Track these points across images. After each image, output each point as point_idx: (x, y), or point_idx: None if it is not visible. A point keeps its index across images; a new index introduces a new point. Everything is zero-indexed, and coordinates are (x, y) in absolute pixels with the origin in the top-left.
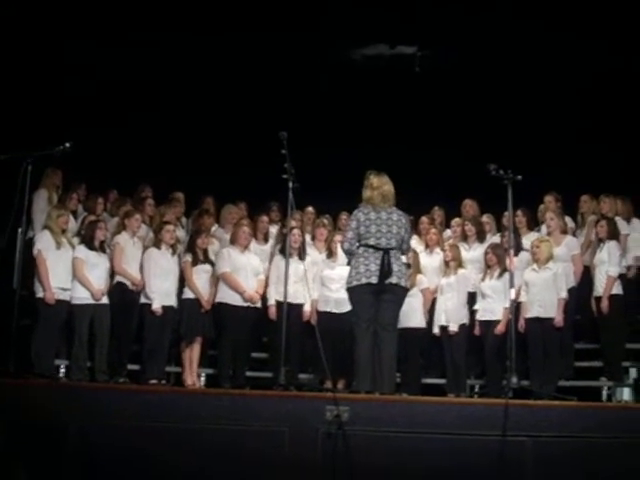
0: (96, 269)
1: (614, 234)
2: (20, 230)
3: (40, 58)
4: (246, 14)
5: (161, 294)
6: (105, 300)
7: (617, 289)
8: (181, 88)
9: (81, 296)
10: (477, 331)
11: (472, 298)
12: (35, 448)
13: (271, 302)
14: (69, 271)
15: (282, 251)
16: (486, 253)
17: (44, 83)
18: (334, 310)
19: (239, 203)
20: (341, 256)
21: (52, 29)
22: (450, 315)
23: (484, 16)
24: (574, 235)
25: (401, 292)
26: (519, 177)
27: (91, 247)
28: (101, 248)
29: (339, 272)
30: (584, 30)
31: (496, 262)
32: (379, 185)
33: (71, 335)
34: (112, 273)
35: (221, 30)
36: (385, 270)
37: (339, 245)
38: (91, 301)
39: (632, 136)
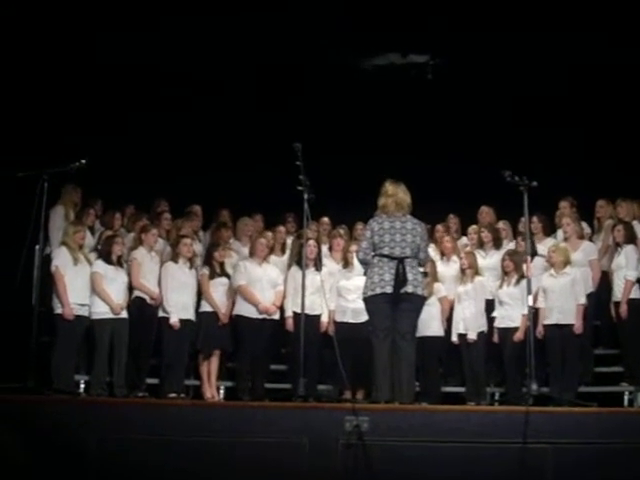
0: (114, 283)
1: (631, 238)
2: (37, 247)
3: (53, 73)
4: (259, 22)
5: (179, 308)
6: (124, 314)
7: (636, 293)
8: (196, 102)
9: (100, 310)
10: (496, 338)
11: (490, 305)
12: (55, 464)
13: (288, 313)
14: (87, 287)
15: (298, 262)
16: (503, 260)
17: (58, 98)
18: (351, 320)
19: (255, 215)
20: (357, 266)
21: (67, 35)
22: (468, 323)
23: (497, 23)
24: (591, 240)
25: (418, 301)
26: (534, 183)
27: (109, 262)
28: (119, 263)
29: (356, 282)
30: (600, 32)
31: (513, 269)
32: (394, 193)
33: (91, 350)
34: (130, 288)
35: (234, 41)
36: (400, 279)
37: (354, 255)
38: (111, 315)
39: None
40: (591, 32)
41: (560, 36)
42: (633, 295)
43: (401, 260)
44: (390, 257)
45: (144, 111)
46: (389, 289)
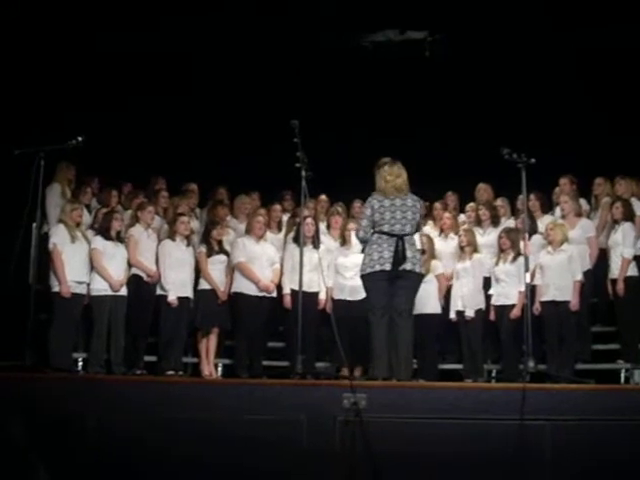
0: (114, 260)
1: (629, 216)
2: (34, 225)
3: (48, 51)
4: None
5: (177, 285)
6: (123, 291)
7: (633, 271)
8: (192, 79)
9: (99, 287)
10: (492, 316)
11: (488, 283)
12: (53, 441)
13: (286, 291)
14: (84, 264)
15: (296, 240)
16: (500, 237)
17: (55, 76)
18: (349, 298)
19: (252, 193)
20: (355, 244)
21: (59, 19)
22: (466, 300)
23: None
24: (588, 218)
25: (416, 278)
26: (532, 160)
27: (108, 237)
28: (118, 238)
29: (353, 260)
30: (595, 10)
31: (510, 246)
32: (392, 178)
33: (89, 328)
34: (129, 265)
35: (232, 20)
36: (399, 257)
37: (353, 233)
38: (109, 292)
39: None
40: (592, 13)
41: (560, 14)
42: (630, 273)
43: (400, 237)
44: (390, 234)
45: (141, 89)
46: (388, 266)
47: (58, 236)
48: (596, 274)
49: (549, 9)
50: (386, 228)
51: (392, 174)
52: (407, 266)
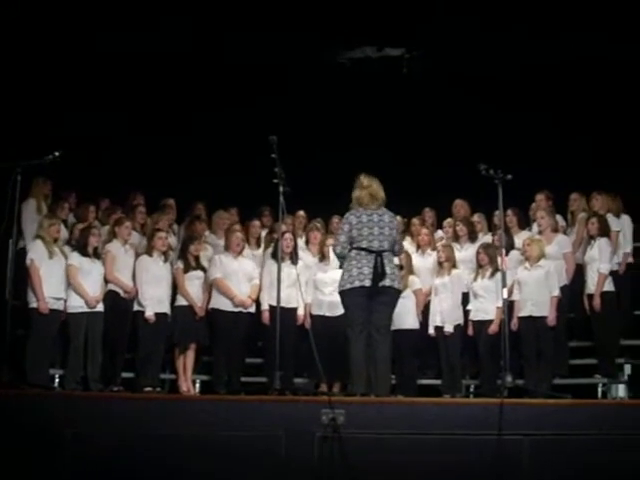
0: (90, 276)
1: (605, 231)
2: (11, 241)
3: (24, 63)
4: (237, 16)
5: (154, 301)
6: (100, 307)
7: (609, 286)
8: (170, 94)
9: (76, 304)
10: (470, 331)
11: (466, 298)
12: (30, 458)
13: (264, 307)
14: (62, 280)
15: (274, 256)
16: (478, 253)
17: (31, 90)
18: (327, 313)
19: (230, 209)
20: (334, 259)
21: (39, 31)
22: (445, 316)
23: (471, 16)
24: (565, 233)
25: (394, 294)
26: (509, 176)
27: (84, 254)
28: (95, 254)
29: (332, 275)
30: (571, 25)
31: (487, 262)
32: (368, 185)
33: (66, 344)
34: (105, 281)
35: (210, 30)
36: (378, 273)
37: (331, 249)
38: (86, 309)
39: (620, 132)
40: (569, 26)
41: (536, 28)
42: (606, 288)
43: (379, 253)
44: (368, 250)
45: (119, 104)
46: (368, 282)
47: (36, 252)
48: (573, 289)
49: (524, 24)
50: (364, 244)
51: (369, 182)
52: (386, 282)
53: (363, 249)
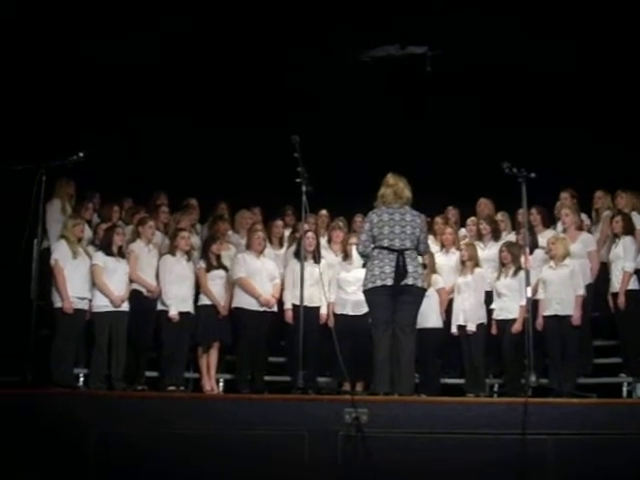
0: (115, 275)
1: (630, 229)
2: (36, 241)
3: (52, 66)
4: (259, 17)
5: (177, 301)
6: (125, 307)
7: (634, 284)
8: (194, 94)
9: (100, 304)
10: (494, 330)
11: (489, 297)
12: (56, 457)
13: (287, 306)
14: (86, 280)
15: (297, 255)
16: (501, 251)
17: (56, 92)
18: (351, 313)
19: (253, 208)
20: (357, 258)
21: (67, 30)
22: (468, 315)
23: (495, 14)
24: (589, 232)
25: (418, 293)
26: (533, 175)
27: (109, 253)
28: (119, 254)
29: (355, 274)
30: (598, 26)
31: (511, 260)
32: (394, 183)
33: (90, 343)
34: (129, 280)
35: (232, 35)
36: (400, 271)
37: (354, 247)
38: (111, 308)
39: None
40: (594, 26)
41: (560, 28)
42: (631, 286)
43: (401, 252)
44: (390, 249)
45: (143, 105)
46: (390, 281)
47: (60, 252)
48: (597, 288)
49: (548, 24)
50: (386, 243)
51: (395, 180)
52: (409, 281)
53: (385, 248)
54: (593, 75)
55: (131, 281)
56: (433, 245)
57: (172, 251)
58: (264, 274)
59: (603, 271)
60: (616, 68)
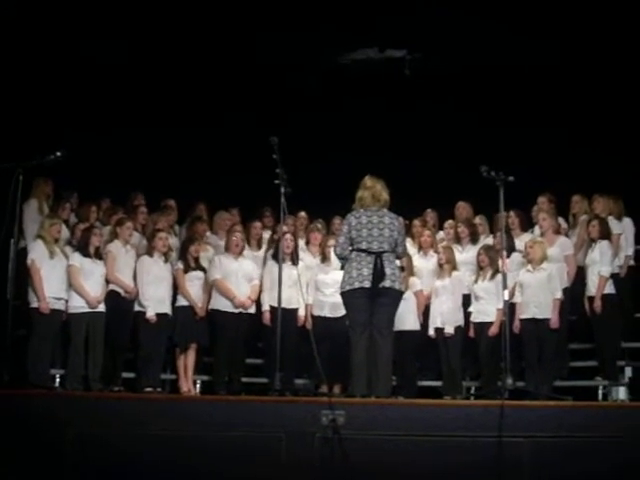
0: (92, 276)
1: (606, 234)
2: (12, 240)
3: (30, 65)
4: (237, 21)
5: (155, 302)
6: (101, 308)
7: (610, 288)
8: (172, 95)
9: (77, 305)
10: (472, 333)
11: (467, 300)
12: (32, 458)
13: (265, 307)
14: (63, 280)
15: (275, 256)
16: (478, 254)
17: (34, 90)
18: (329, 315)
19: (231, 209)
20: (335, 260)
21: (41, 31)
22: (446, 317)
23: (473, 18)
24: (567, 235)
25: (396, 295)
26: (511, 178)
27: (86, 254)
28: (96, 255)
29: (333, 276)
30: (576, 25)
31: (488, 263)
32: (372, 186)
33: (67, 344)
34: (106, 281)
35: (212, 34)
36: (378, 274)
37: (332, 249)
38: (87, 309)
39: (622, 135)
40: (574, 26)
41: (541, 29)
42: (607, 290)
43: (379, 255)
44: (368, 252)
45: (121, 105)
46: (367, 283)
47: (36, 252)
48: (574, 292)
49: (529, 25)
50: (364, 245)
51: (373, 183)
52: (386, 283)
53: (363, 250)
54: (573, 78)
55: (108, 282)
56: (411, 248)
57: (150, 252)
58: (240, 275)
59: (580, 275)
60: (595, 71)
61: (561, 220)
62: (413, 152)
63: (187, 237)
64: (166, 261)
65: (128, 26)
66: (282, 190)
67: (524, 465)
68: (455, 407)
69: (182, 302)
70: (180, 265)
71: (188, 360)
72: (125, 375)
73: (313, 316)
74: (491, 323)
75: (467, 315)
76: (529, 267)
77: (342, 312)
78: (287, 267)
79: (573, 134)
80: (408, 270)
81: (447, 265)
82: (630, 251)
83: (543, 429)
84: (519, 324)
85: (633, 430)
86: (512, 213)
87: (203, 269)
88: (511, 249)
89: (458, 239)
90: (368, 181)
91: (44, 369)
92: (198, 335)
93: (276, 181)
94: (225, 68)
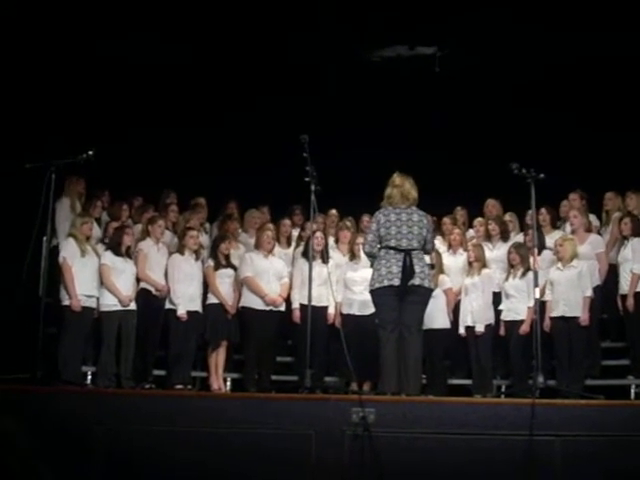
0: (123, 275)
1: (638, 231)
2: (45, 238)
3: (62, 64)
4: (268, 17)
5: (185, 299)
6: (133, 306)
7: None
8: (202, 93)
9: (109, 303)
10: (502, 331)
11: (497, 298)
12: (63, 455)
13: (295, 305)
14: (94, 278)
15: (305, 254)
16: (509, 252)
17: (66, 90)
18: (358, 312)
19: (262, 207)
20: (364, 258)
21: (74, 30)
22: (476, 315)
23: (503, 14)
24: (599, 233)
25: (425, 293)
26: (542, 175)
27: (117, 253)
28: (127, 254)
29: (362, 274)
30: (608, 21)
31: (519, 261)
32: (400, 184)
33: (98, 342)
34: (137, 279)
35: (243, 33)
36: (407, 272)
37: (361, 248)
38: (119, 307)
39: None
40: (600, 25)
41: (571, 24)
42: None
43: (408, 252)
44: (397, 249)
45: (153, 103)
46: (396, 281)
47: (68, 250)
48: (606, 290)
49: (559, 20)
50: (393, 243)
51: (402, 181)
52: (416, 281)
53: (392, 248)
54: (607, 72)
55: (139, 280)
56: (441, 246)
57: (180, 250)
58: (271, 273)
59: (612, 273)
60: (628, 67)
61: (592, 217)
62: (444, 149)
63: (218, 235)
64: (197, 259)
65: (170, 24)
66: (312, 188)
67: (555, 464)
68: (485, 405)
69: (212, 300)
70: (211, 263)
71: (219, 358)
72: (156, 372)
73: (342, 314)
74: (522, 321)
75: (497, 313)
76: (559, 265)
77: (371, 310)
78: (317, 265)
79: (607, 130)
80: (438, 268)
81: (477, 263)
82: None
83: (574, 428)
84: (549, 322)
85: None
86: (543, 210)
87: (234, 267)
88: (542, 246)
89: (488, 237)
90: (397, 179)
91: (75, 366)
92: (229, 332)
93: (306, 179)
94: (256, 66)
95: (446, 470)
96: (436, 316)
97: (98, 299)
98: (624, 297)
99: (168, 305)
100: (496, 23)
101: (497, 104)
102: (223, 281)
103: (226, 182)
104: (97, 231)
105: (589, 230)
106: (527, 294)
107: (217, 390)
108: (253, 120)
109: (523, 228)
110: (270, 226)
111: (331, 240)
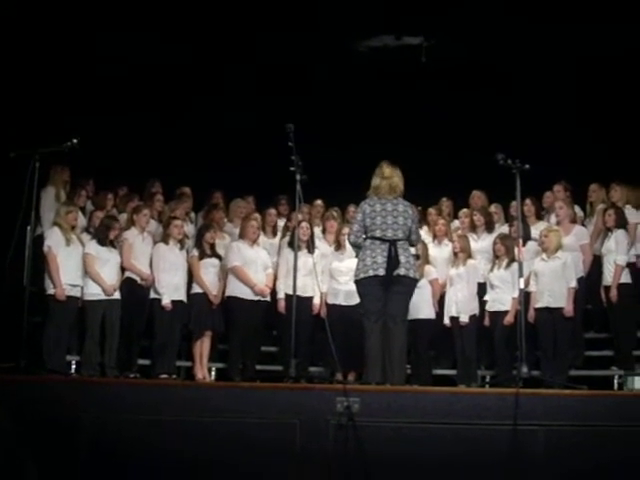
0: (107, 264)
1: (622, 223)
2: (29, 227)
3: (43, 52)
4: (253, 8)
5: (170, 289)
6: (117, 295)
7: (626, 278)
8: (188, 83)
9: (93, 292)
10: (487, 322)
11: (482, 288)
12: (47, 443)
13: (280, 295)
14: (79, 267)
15: (291, 244)
16: (494, 243)
17: (49, 78)
18: (343, 303)
19: (247, 197)
20: (350, 249)
21: (57, 21)
22: (461, 306)
23: (489, 5)
24: (583, 224)
25: (410, 283)
26: (527, 166)
27: (102, 243)
28: (111, 243)
29: (348, 264)
30: (592, 15)
31: (504, 252)
32: (389, 176)
33: (82, 331)
34: (122, 268)
35: (229, 24)
36: (392, 262)
37: (346, 237)
38: (103, 297)
39: None
40: (587, 17)
41: (550, 16)
42: (623, 280)
43: (393, 242)
44: (382, 239)
45: (138, 93)
46: (381, 271)
47: (53, 239)
48: (590, 281)
49: (544, 12)
50: (378, 233)
51: (391, 173)
52: (401, 271)
53: (377, 238)
54: (591, 67)
55: (124, 269)
56: (426, 236)
57: (165, 239)
58: (258, 263)
59: (596, 264)
60: (617, 64)
61: (577, 209)
62: (429, 140)
63: (203, 224)
64: (182, 248)
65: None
66: (297, 177)
67: (538, 453)
68: (470, 395)
69: (197, 289)
70: (195, 252)
71: (203, 347)
72: (140, 362)
73: (327, 304)
74: (506, 312)
75: (482, 304)
76: (544, 256)
77: (356, 300)
78: (303, 255)
79: (591, 121)
80: (423, 258)
81: (462, 254)
82: None
83: (558, 418)
84: (534, 313)
85: None
86: (528, 201)
87: (219, 256)
88: (527, 237)
89: (473, 228)
90: (386, 170)
91: (60, 355)
92: (213, 322)
93: (291, 168)
94: (241, 55)
95: (430, 459)
96: (421, 306)
97: (82, 288)
98: (608, 288)
99: (153, 295)
100: (482, 13)
101: (483, 95)
102: (208, 271)
103: (211, 172)
104: (82, 220)
105: (574, 221)
106: (512, 285)
107: (202, 379)
108: (239, 109)
109: (508, 219)
110: (256, 216)
111: (317, 230)
